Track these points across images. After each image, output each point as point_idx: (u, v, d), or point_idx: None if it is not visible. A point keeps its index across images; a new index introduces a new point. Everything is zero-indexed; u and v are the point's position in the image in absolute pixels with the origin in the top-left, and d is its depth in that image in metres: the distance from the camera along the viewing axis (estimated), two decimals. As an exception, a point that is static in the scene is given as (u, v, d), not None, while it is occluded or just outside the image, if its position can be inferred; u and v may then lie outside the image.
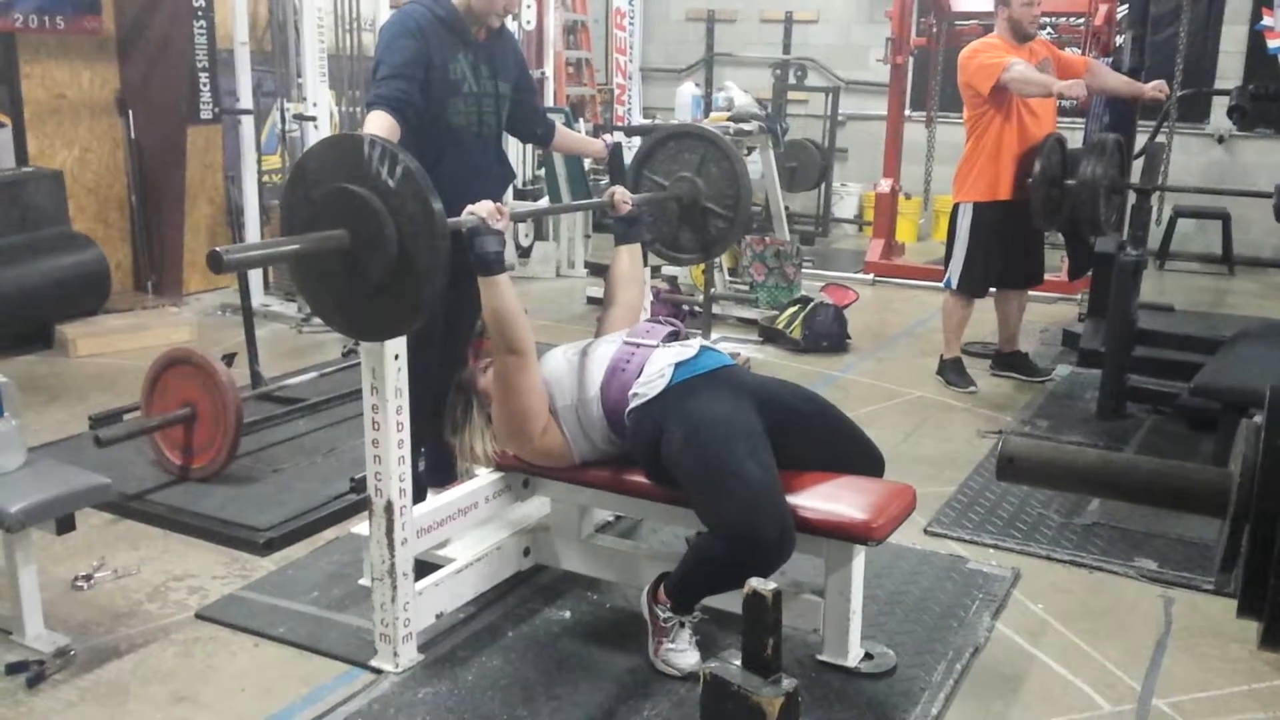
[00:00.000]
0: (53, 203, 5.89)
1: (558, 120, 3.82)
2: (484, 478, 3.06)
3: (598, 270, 7.38)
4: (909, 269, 7.71)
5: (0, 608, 2.93)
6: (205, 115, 6.38)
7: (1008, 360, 5.42)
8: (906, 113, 8.08)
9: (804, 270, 6.73)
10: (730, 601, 2.51)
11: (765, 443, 2.66)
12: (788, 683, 1.85)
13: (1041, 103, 4.90)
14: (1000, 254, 5.03)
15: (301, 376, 4.81)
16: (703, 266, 5.81)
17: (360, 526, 3.06)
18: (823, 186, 9.22)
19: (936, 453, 4.37)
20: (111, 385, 5.00)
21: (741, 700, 1.84)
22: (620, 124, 8.63)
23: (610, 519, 3.47)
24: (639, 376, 2.79)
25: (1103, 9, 6.81)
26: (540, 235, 7.76)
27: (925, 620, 3.05)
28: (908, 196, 8.70)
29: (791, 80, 9.65)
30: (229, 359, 4.04)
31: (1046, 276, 5.51)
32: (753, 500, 2.53)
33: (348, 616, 3.02)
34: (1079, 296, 6.33)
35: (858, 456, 2.87)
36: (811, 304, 5.93)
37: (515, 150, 7.03)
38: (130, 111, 6.43)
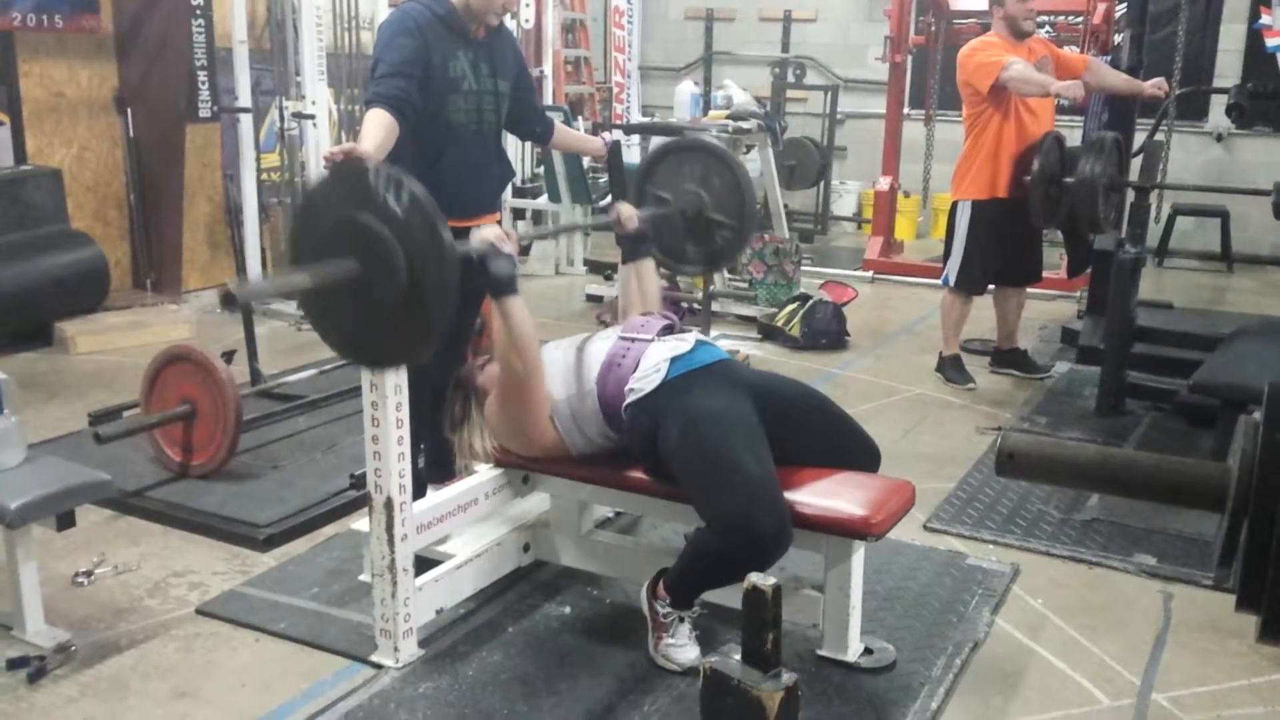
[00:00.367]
0: (52, 201, 5.89)
1: (557, 118, 3.81)
2: (483, 474, 3.07)
3: (597, 268, 7.39)
4: (908, 266, 7.71)
5: (1, 604, 2.93)
6: (204, 113, 6.36)
7: (1007, 357, 5.42)
8: (905, 111, 8.09)
9: (803, 268, 6.74)
10: (730, 596, 2.51)
11: (761, 437, 2.66)
12: (787, 677, 1.86)
13: (1040, 101, 4.90)
14: (999, 252, 5.03)
15: (301, 373, 4.82)
16: (702, 265, 5.80)
17: (360, 522, 3.06)
18: (822, 184, 9.23)
19: (935, 449, 4.38)
20: (111, 382, 5.01)
21: (741, 695, 1.84)
22: (619, 122, 8.64)
23: (610, 515, 3.47)
24: (635, 371, 2.79)
25: (1101, 7, 6.80)
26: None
27: (925, 615, 3.05)
28: (906, 194, 8.71)
29: (790, 79, 9.67)
30: (228, 356, 4.04)
31: (1045, 274, 5.51)
32: (749, 494, 2.53)
33: (348, 612, 3.03)
34: (1078, 294, 6.33)
35: (856, 452, 2.88)
36: (810, 301, 5.94)
37: (514, 148, 7.03)
38: (129, 110, 6.42)
